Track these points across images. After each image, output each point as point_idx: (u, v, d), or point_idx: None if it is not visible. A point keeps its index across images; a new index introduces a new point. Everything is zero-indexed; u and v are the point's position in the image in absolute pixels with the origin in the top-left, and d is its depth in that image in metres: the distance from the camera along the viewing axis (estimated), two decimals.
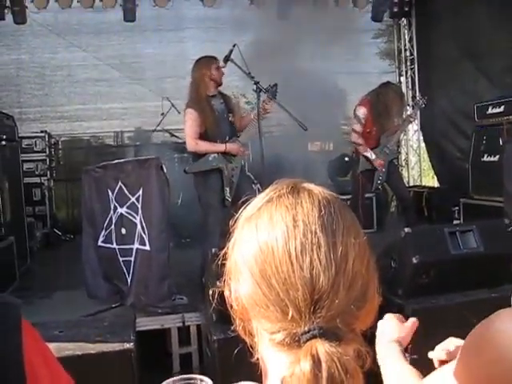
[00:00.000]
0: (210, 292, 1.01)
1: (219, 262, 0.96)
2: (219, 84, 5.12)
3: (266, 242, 0.86)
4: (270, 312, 0.83)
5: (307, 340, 0.80)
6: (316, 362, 0.77)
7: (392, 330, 1.40)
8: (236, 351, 1.08)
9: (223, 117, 5.09)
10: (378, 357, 1.33)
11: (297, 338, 0.81)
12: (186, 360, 4.19)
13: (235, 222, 0.94)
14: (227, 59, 4.93)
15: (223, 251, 0.95)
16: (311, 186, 0.92)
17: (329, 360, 0.77)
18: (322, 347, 0.78)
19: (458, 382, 1.04)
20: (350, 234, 0.87)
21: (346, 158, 8.10)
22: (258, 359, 0.92)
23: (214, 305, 1.00)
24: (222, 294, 0.96)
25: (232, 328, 0.95)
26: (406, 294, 3.53)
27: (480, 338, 0.99)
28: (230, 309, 0.93)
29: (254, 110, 5.10)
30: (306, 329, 0.81)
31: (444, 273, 3.52)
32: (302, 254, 0.83)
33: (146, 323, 4.18)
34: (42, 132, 8.69)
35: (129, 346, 3.28)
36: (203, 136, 4.99)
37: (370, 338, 0.87)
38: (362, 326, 0.86)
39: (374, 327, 0.88)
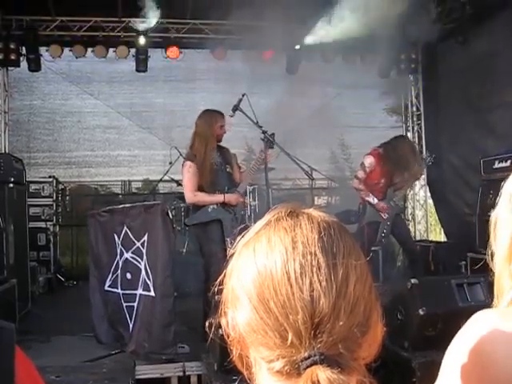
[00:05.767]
0: (207, 324, 0.97)
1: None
2: (220, 141, 5.20)
3: (265, 265, 0.83)
4: (269, 338, 0.79)
5: (307, 367, 0.76)
6: None
7: None
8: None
9: (221, 169, 5.13)
10: None
11: (296, 366, 0.77)
12: None
13: (233, 249, 0.91)
14: (236, 108, 4.97)
15: (219, 280, 0.91)
16: (310, 210, 0.91)
17: None
18: (323, 374, 0.74)
19: None
20: (351, 256, 0.84)
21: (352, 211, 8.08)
22: None
23: (211, 336, 0.96)
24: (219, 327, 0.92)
25: (234, 378, 0.91)
26: (413, 347, 3.44)
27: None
28: (227, 339, 0.90)
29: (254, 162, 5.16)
30: (306, 355, 0.76)
31: (451, 326, 3.42)
32: (302, 275, 0.80)
33: (145, 371, 4.09)
34: (49, 177, 8.78)
35: None
36: (202, 188, 5.00)
37: (374, 370, 0.83)
38: (366, 357, 0.82)
39: (377, 360, 0.84)
